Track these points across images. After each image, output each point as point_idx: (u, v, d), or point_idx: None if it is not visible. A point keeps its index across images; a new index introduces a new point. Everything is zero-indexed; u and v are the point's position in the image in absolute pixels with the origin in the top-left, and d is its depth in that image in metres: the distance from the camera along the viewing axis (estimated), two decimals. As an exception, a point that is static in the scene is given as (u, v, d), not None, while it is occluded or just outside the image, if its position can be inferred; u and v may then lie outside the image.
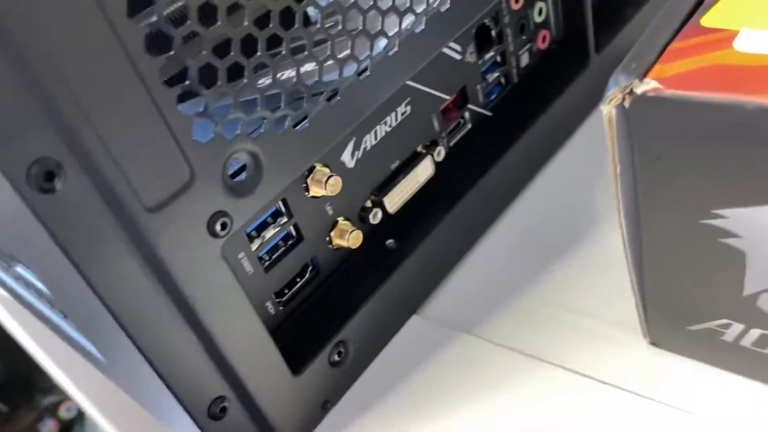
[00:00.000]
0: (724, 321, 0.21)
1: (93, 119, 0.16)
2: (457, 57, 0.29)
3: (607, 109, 0.18)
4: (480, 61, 0.30)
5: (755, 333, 0.21)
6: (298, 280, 0.25)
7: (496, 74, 0.31)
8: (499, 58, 0.31)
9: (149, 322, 0.19)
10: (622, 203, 0.20)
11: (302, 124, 0.21)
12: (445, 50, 0.28)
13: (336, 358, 0.25)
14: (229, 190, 0.19)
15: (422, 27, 0.24)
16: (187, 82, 0.17)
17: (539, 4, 0.32)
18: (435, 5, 0.25)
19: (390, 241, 0.27)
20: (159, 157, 0.17)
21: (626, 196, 0.20)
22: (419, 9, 0.24)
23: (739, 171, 0.17)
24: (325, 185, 0.24)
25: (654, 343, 0.24)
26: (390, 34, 0.23)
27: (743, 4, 0.19)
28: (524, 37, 0.32)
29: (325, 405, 0.25)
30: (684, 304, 0.22)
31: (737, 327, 0.21)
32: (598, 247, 0.28)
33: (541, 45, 0.33)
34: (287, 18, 0.19)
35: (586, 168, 0.32)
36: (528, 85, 0.33)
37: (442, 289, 0.29)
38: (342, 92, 0.22)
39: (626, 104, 0.18)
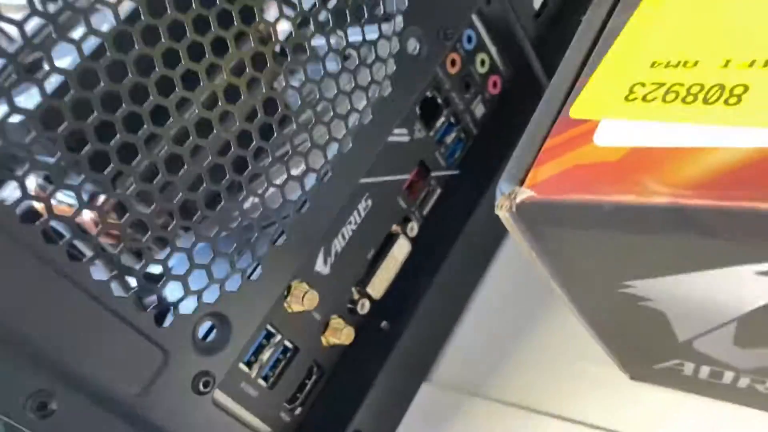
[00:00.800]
0: (677, 361, 0.22)
1: (68, 350, 0.19)
2: (405, 139, 0.30)
3: (502, 214, 0.20)
4: (431, 132, 0.32)
5: (706, 369, 0.22)
6: (307, 382, 0.28)
7: (453, 134, 0.33)
8: (452, 119, 0.33)
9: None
10: (550, 280, 0.22)
11: (255, 272, 0.24)
12: (391, 138, 0.30)
13: (354, 446, 0.28)
14: (204, 351, 0.23)
15: (370, 117, 0.26)
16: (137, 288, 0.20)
17: (480, 56, 0.33)
18: (376, 94, 0.26)
19: (384, 323, 0.30)
20: (132, 353, 0.21)
21: (549, 275, 0.21)
22: (361, 105, 0.26)
23: (620, 252, 0.19)
24: (302, 302, 0.26)
25: (634, 378, 0.25)
26: (339, 136, 0.25)
27: (609, 86, 0.20)
28: (472, 92, 0.33)
29: (355, 489, 0.28)
30: (639, 350, 0.23)
31: (689, 365, 0.22)
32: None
33: (493, 90, 0.34)
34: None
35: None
36: (489, 132, 0.34)
37: (447, 351, 0.31)
38: (290, 222, 0.24)
39: (513, 209, 0.20)
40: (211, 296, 0.23)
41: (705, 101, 0.17)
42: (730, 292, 0.18)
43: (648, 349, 0.23)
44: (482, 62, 0.33)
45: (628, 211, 0.17)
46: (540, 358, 0.28)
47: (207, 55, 0.21)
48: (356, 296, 0.29)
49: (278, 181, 0.23)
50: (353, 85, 0.25)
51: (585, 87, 0.20)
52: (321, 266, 0.28)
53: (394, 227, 0.31)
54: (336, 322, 0.29)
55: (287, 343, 0.27)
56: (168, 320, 0.22)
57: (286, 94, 0.23)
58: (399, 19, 0.27)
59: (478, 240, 0.32)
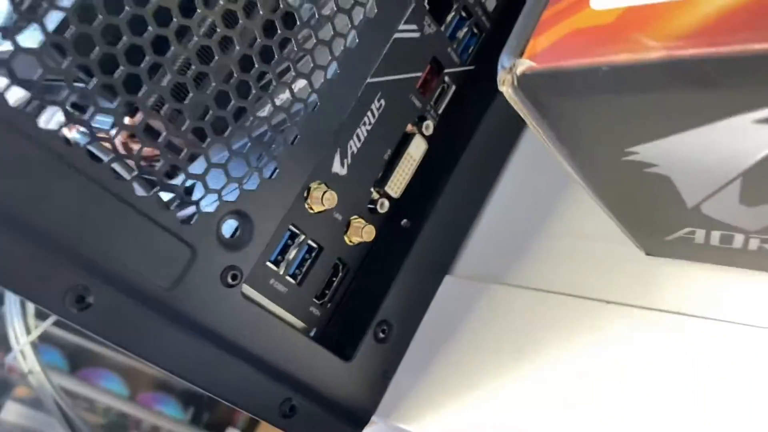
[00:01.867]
0: (688, 229, 0.22)
1: (101, 247, 0.21)
2: (416, 35, 0.30)
3: (504, 90, 0.20)
4: (442, 27, 0.31)
5: (716, 234, 0.22)
6: (334, 279, 0.30)
7: (465, 29, 0.33)
8: (463, 13, 0.32)
9: (207, 367, 0.24)
10: (559, 155, 0.22)
11: (274, 172, 0.25)
12: (400, 34, 0.30)
13: (381, 335, 0.29)
14: (230, 247, 0.24)
15: (375, 11, 0.26)
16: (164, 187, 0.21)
17: (487, -54, 0.32)
18: None
19: (404, 221, 0.31)
20: (160, 249, 0.22)
21: (557, 150, 0.22)
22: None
23: (622, 116, 0.19)
24: (322, 201, 0.27)
25: (649, 254, 0.26)
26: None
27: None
28: (482, -16, 0.33)
29: (385, 375, 0.30)
30: (650, 221, 0.23)
31: (700, 232, 0.22)
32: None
33: (504, -19, 0.34)
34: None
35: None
36: (503, 25, 0.34)
37: (470, 243, 0.32)
38: (302, 121, 0.25)
39: (515, 82, 0.20)
40: (231, 195, 0.24)
41: (699, -50, 0.17)
42: (732, 146, 0.18)
43: (659, 219, 0.23)
44: (491, -49, 0.33)
45: (623, 71, 0.17)
46: (558, 243, 0.29)
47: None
48: (375, 196, 0.30)
49: (286, 80, 0.24)
50: (355, -21, 0.25)
51: (583, -47, 0.20)
52: (338, 167, 0.29)
53: (410, 126, 0.31)
54: (357, 221, 0.29)
55: (311, 243, 0.28)
56: (191, 217, 0.23)
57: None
58: None
59: (495, 134, 0.32)
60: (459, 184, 0.31)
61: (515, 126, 0.34)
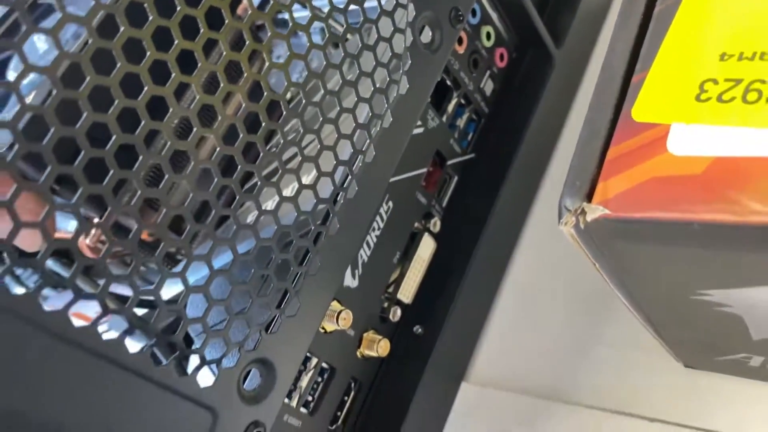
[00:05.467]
0: (745, 354, 0.21)
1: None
2: (420, 130, 0.28)
3: (566, 230, 0.19)
4: (443, 119, 0.30)
5: (777, 361, 0.21)
6: (346, 399, 0.27)
7: (464, 117, 0.31)
8: (462, 101, 0.31)
9: None
10: (614, 289, 0.21)
11: (297, 309, 0.22)
12: (406, 132, 0.28)
13: (403, 459, 0.27)
14: (252, 401, 0.21)
15: (390, 120, 0.24)
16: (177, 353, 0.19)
17: (485, 29, 0.31)
18: (394, 94, 0.24)
19: (417, 328, 0.29)
20: (181, 420, 0.19)
21: (615, 284, 0.20)
22: (382, 107, 0.24)
23: (702, 266, 0.17)
24: (337, 321, 0.25)
25: (688, 366, 0.25)
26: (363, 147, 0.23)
27: (671, 80, 0.18)
28: (480, 69, 0.31)
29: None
30: (703, 345, 0.22)
31: (758, 358, 0.21)
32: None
33: (501, 64, 0.32)
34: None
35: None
36: (501, 109, 0.32)
37: (480, 350, 0.30)
38: (324, 247, 0.22)
39: (582, 226, 0.18)
40: (251, 343, 0.21)
41: (798, 102, 0.16)
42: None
43: (714, 344, 0.22)
44: (488, 35, 0.31)
45: (721, 229, 0.16)
46: (580, 349, 0.28)
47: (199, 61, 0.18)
48: (386, 304, 0.28)
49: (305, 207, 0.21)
50: (372, 89, 0.23)
51: (644, 84, 0.19)
52: (350, 280, 0.26)
53: (416, 225, 0.29)
54: (370, 335, 0.27)
55: (324, 365, 0.26)
56: (210, 378, 0.20)
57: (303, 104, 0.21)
58: (411, 7, 0.24)
59: (502, 228, 0.31)
60: (472, 284, 0.29)
61: (520, 220, 0.32)
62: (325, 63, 0.21)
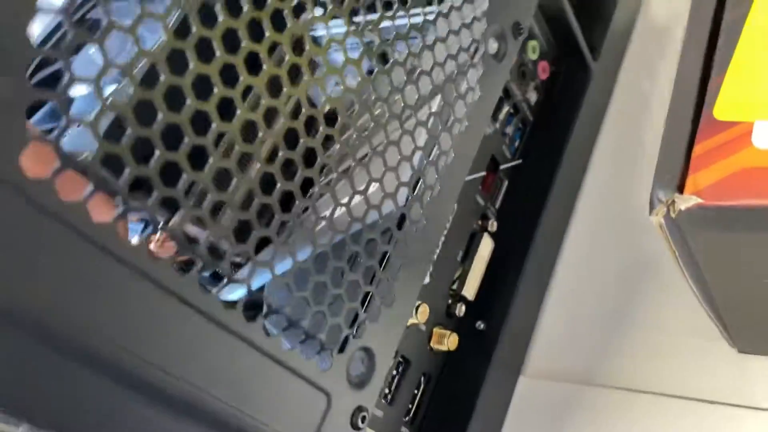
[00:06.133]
0: (805, 335, 0.24)
1: (248, 411, 0.19)
2: (479, 136, 0.30)
3: (656, 219, 0.20)
4: (497, 126, 0.32)
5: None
6: (416, 392, 0.28)
7: (512, 125, 0.33)
8: (511, 110, 0.33)
9: None
10: (687, 275, 0.22)
11: (395, 296, 0.23)
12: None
13: (473, 448, 0.28)
14: (357, 388, 0.22)
15: (466, 124, 0.26)
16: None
17: (531, 44, 0.33)
18: (470, 99, 0.26)
19: (479, 323, 0.30)
20: (302, 401, 0.20)
21: (690, 271, 0.22)
22: (461, 112, 0.25)
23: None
24: (416, 315, 0.26)
25: (742, 351, 0.27)
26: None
27: (747, 83, 0.20)
28: (527, 80, 0.33)
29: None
30: (763, 328, 0.24)
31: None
32: (664, 264, 0.30)
33: (543, 76, 0.34)
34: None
35: (620, 171, 0.34)
36: (545, 118, 0.34)
37: (535, 341, 0.32)
38: (416, 238, 0.24)
39: (673, 216, 0.20)
40: (358, 330, 0.22)
41: None
42: None
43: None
44: (533, 49, 0.33)
45: (811, 213, 0.18)
46: (636, 337, 0.29)
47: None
48: (450, 300, 0.29)
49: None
50: (455, 94, 0.25)
51: (723, 86, 0.21)
52: (422, 277, 0.28)
53: (475, 226, 0.31)
54: (440, 329, 0.29)
55: (400, 359, 0.27)
56: (327, 363, 0.21)
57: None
58: (483, 20, 0.26)
59: (552, 226, 0.33)
60: (528, 280, 0.31)
61: (566, 216, 0.34)
62: (419, 69, 0.23)
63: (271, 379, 0.19)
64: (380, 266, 0.22)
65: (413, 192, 0.23)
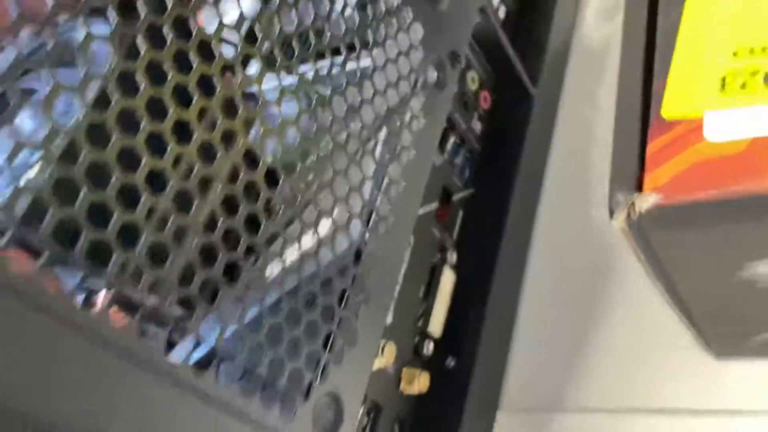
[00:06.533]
0: (779, 331, 0.23)
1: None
2: (428, 167, 0.30)
3: (618, 224, 0.20)
4: (445, 156, 0.31)
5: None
6: (392, 439, 0.27)
7: (461, 155, 0.33)
8: (458, 141, 0.32)
9: None
10: (657, 281, 0.22)
11: (358, 337, 0.22)
12: (418, 170, 0.29)
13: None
14: (326, 439, 0.21)
15: (413, 152, 0.25)
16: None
17: (470, 74, 0.33)
18: (415, 128, 0.25)
19: (450, 360, 0.29)
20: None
21: (658, 276, 0.22)
22: (408, 140, 0.25)
23: (746, 240, 0.19)
24: (383, 356, 0.25)
25: (720, 356, 0.26)
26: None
27: (690, 82, 0.20)
28: (470, 110, 0.33)
29: None
30: (738, 327, 0.24)
31: (791, 332, 0.23)
32: (628, 277, 0.30)
33: (485, 105, 0.34)
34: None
35: (575, 192, 0.34)
36: (491, 146, 0.34)
37: (509, 373, 0.31)
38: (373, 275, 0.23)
39: (634, 218, 0.19)
40: (321, 376, 0.21)
41: (816, 80, 0.18)
42: None
43: (748, 325, 0.23)
44: (472, 80, 0.33)
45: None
46: (611, 355, 0.29)
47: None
48: (417, 339, 0.28)
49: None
50: (399, 123, 0.24)
51: (667, 88, 0.21)
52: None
53: (435, 259, 0.30)
54: (409, 370, 0.27)
55: (370, 404, 0.26)
56: (291, 412, 0.19)
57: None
58: (420, 49, 0.26)
59: (512, 253, 0.32)
60: (495, 311, 0.30)
61: (524, 241, 0.34)
62: (361, 99, 0.22)
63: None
64: (339, 305, 0.21)
65: (367, 224, 0.22)
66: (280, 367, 0.19)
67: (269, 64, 0.20)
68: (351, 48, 0.23)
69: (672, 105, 0.20)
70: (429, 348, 0.28)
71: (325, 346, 0.21)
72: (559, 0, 0.38)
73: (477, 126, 0.34)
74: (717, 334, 0.25)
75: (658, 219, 0.19)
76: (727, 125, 0.19)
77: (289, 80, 0.21)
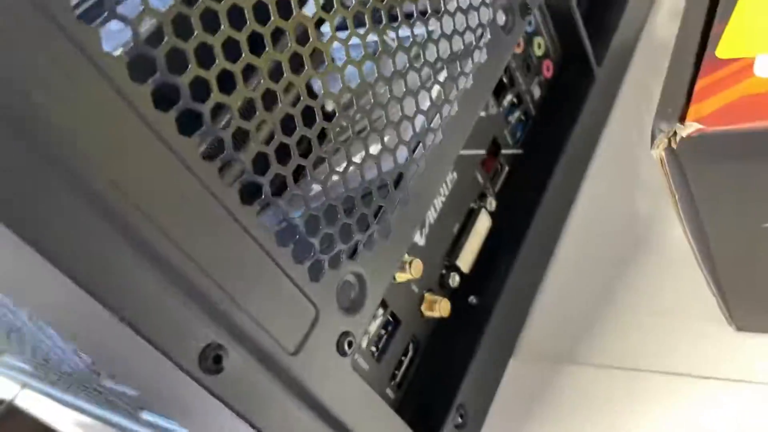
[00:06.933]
0: (804, 299, 0.23)
1: (239, 300, 0.18)
2: (482, 114, 0.31)
3: (657, 152, 0.20)
4: (501, 109, 0.32)
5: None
6: (403, 359, 0.28)
7: (516, 114, 0.34)
8: (515, 100, 0.33)
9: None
10: (687, 225, 0.22)
11: (391, 233, 0.23)
12: (472, 112, 0.30)
13: (459, 420, 0.27)
14: (346, 312, 0.22)
15: (471, 82, 0.26)
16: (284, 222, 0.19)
17: (537, 40, 0.34)
18: (476, 60, 0.26)
19: (472, 298, 0.30)
20: (290, 306, 0.20)
21: (689, 219, 0.22)
22: (467, 68, 0.26)
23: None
24: (410, 270, 0.26)
25: (740, 329, 0.26)
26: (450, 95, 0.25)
27: (749, 28, 0.21)
28: (531, 73, 0.34)
29: (461, 464, 0.27)
30: (763, 293, 0.24)
31: (818, 303, 0.23)
32: (661, 248, 0.30)
33: (547, 74, 0.35)
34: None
35: (620, 172, 0.34)
36: (547, 114, 0.35)
37: (529, 324, 0.31)
38: (409, 178, 0.24)
39: (674, 146, 0.20)
40: (352, 254, 0.22)
41: None
42: None
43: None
44: (539, 45, 0.34)
45: (811, 132, 0.18)
46: (626, 320, 0.29)
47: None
48: (446, 271, 0.29)
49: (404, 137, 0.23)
50: (462, 47, 0.25)
51: (725, 31, 0.21)
52: (418, 238, 0.28)
53: (473, 203, 0.31)
54: (431, 295, 0.28)
55: (389, 317, 0.27)
56: (318, 275, 0.21)
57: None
58: (493, -10, 0.27)
59: (549, 213, 0.33)
60: (523, 264, 0.31)
61: (568, 201, 0.34)
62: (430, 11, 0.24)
63: (263, 271, 0.19)
64: (383, 200, 0.22)
65: (416, 135, 0.23)
66: (317, 228, 0.20)
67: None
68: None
69: (728, 45, 0.21)
70: (455, 280, 0.29)
71: (361, 230, 0.22)
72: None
73: (536, 91, 0.35)
74: (741, 302, 0.25)
75: (696, 147, 0.20)
76: (778, 66, 0.19)
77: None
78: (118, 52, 0.15)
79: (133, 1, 0.16)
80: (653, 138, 0.21)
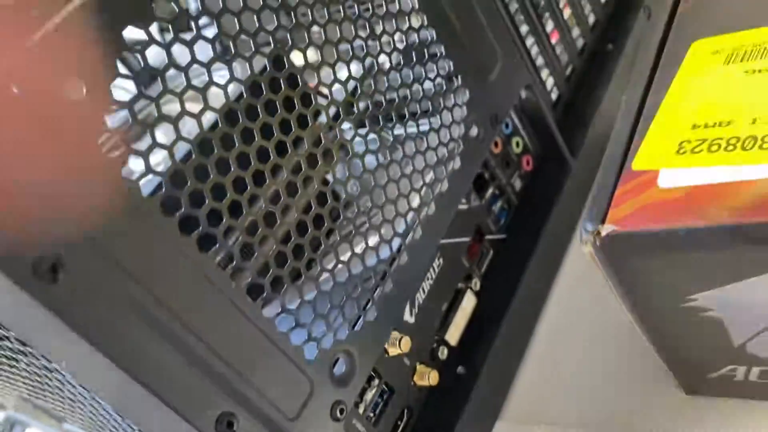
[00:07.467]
0: (730, 367, 0.27)
1: (247, 377, 0.23)
2: (465, 207, 0.36)
3: (586, 248, 0.25)
4: (483, 201, 0.37)
5: (756, 371, 0.26)
6: (399, 423, 0.32)
7: (498, 204, 0.39)
8: (497, 191, 0.38)
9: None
10: (626, 307, 0.27)
11: (377, 317, 0.28)
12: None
13: (449, 477, 0.31)
14: (338, 384, 0.26)
15: (446, 186, 0.32)
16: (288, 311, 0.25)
17: (515, 139, 0.39)
18: (450, 168, 0.32)
19: (460, 368, 0.34)
20: (289, 381, 0.25)
21: (626, 301, 0.26)
22: (442, 175, 0.31)
23: (688, 270, 0.24)
24: (399, 345, 0.31)
25: (691, 392, 0.30)
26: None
27: (658, 145, 0.26)
28: (511, 169, 0.39)
29: None
30: (696, 360, 0.28)
31: (741, 369, 0.27)
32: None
33: (527, 168, 0.40)
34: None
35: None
36: (528, 203, 0.40)
37: (515, 389, 0.35)
38: (396, 273, 0.29)
39: (598, 243, 0.25)
40: (342, 335, 0.27)
41: (743, 148, 0.23)
42: (780, 292, 0.23)
43: (704, 358, 0.27)
44: (517, 144, 0.40)
45: (698, 233, 0.22)
46: (597, 383, 0.33)
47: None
48: (436, 345, 0.34)
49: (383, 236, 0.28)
50: (436, 159, 0.31)
51: (640, 147, 0.26)
52: (408, 316, 0.32)
53: (460, 284, 0.35)
54: (422, 367, 0.33)
55: (384, 387, 0.31)
56: (313, 354, 0.25)
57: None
58: (465, 108, 0.33)
59: (531, 291, 0.37)
60: (506, 335, 0.35)
61: (548, 284, 0.39)
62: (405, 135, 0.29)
63: (266, 353, 0.24)
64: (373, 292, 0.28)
65: (396, 233, 0.29)
66: (313, 316, 0.25)
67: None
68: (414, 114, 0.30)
69: (641, 160, 0.26)
70: (444, 353, 0.33)
71: (350, 315, 0.27)
72: (608, 91, 0.44)
73: (517, 183, 0.40)
74: (681, 368, 0.29)
75: (613, 244, 0.24)
76: (674, 178, 0.24)
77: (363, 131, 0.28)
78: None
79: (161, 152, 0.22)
80: (581, 236, 0.25)
